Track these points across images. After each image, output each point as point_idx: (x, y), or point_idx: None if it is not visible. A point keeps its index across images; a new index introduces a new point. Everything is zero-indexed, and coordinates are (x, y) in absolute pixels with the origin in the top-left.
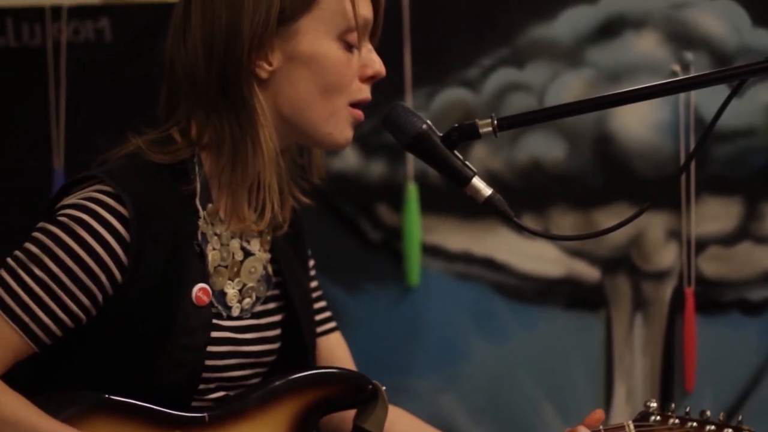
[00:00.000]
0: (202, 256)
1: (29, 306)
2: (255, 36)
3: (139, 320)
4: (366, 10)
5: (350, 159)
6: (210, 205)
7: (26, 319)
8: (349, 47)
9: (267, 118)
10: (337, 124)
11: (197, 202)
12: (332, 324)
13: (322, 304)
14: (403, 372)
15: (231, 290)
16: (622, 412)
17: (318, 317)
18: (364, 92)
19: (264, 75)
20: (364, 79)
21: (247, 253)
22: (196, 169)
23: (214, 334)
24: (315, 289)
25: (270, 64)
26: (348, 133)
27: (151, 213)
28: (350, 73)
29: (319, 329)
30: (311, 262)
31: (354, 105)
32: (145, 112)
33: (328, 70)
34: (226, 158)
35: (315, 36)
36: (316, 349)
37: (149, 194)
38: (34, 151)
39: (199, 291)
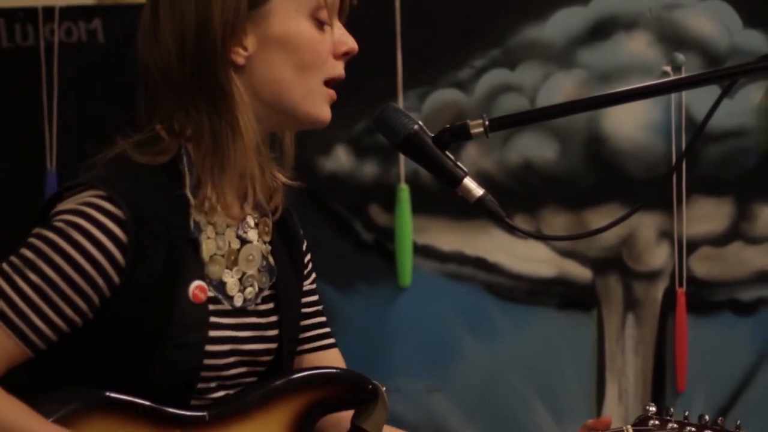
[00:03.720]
0: (196, 245)
1: (25, 312)
2: (227, 23)
3: (136, 320)
4: None
5: (342, 160)
6: (202, 195)
7: (22, 325)
8: (320, 25)
9: (246, 105)
10: (315, 102)
11: (188, 193)
12: (331, 340)
13: (321, 318)
14: (395, 372)
15: (230, 279)
16: (613, 412)
17: (317, 332)
18: (339, 69)
19: (241, 61)
20: (338, 56)
21: (244, 241)
22: (185, 160)
23: (213, 332)
24: (315, 303)
25: (245, 50)
26: (327, 111)
27: (146, 213)
28: (325, 50)
29: (318, 344)
30: (312, 276)
31: (328, 82)
32: (137, 112)
33: (302, 48)
34: (205, 148)
35: (287, 16)
36: (313, 362)
37: (142, 195)
38: (27, 152)
39: (196, 288)
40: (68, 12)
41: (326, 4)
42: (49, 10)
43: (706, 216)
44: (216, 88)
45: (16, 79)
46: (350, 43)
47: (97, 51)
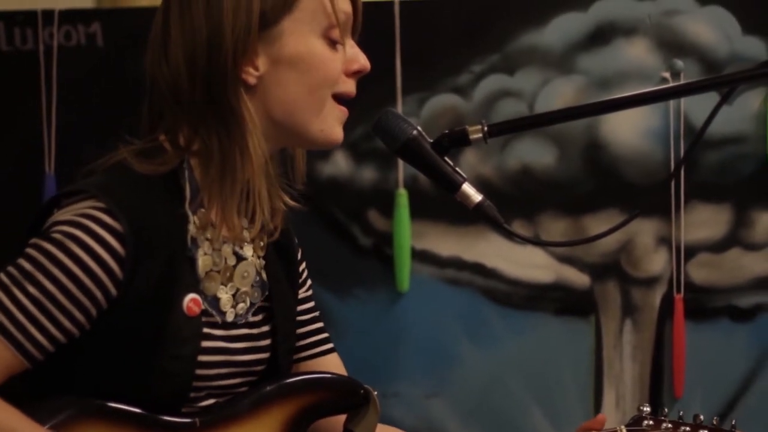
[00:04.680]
0: (192, 261)
1: (23, 324)
2: (238, 44)
3: (132, 331)
4: (345, 5)
5: (341, 165)
6: (202, 211)
7: (20, 337)
8: (333, 44)
9: (256, 125)
10: (326, 119)
11: (187, 207)
12: (330, 345)
13: (318, 325)
14: (394, 377)
15: (224, 295)
16: (611, 418)
17: (314, 338)
18: (349, 85)
19: (252, 81)
20: (350, 74)
21: (240, 258)
22: (186, 174)
23: (205, 343)
24: (311, 310)
25: (257, 69)
26: (339, 131)
27: (145, 226)
28: (337, 68)
29: (317, 350)
30: (308, 283)
31: (338, 98)
32: (137, 117)
33: (315, 67)
34: (215, 169)
35: (299, 36)
36: (312, 369)
37: (142, 207)
38: (26, 155)
39: (190, 301)
40: (67, 15)
41: (338, 24)
42: (48, 14)
43: (704, 222)
44: (226, 108)
45: (15, 82)
46: (362, 61)
47: (97, 55)
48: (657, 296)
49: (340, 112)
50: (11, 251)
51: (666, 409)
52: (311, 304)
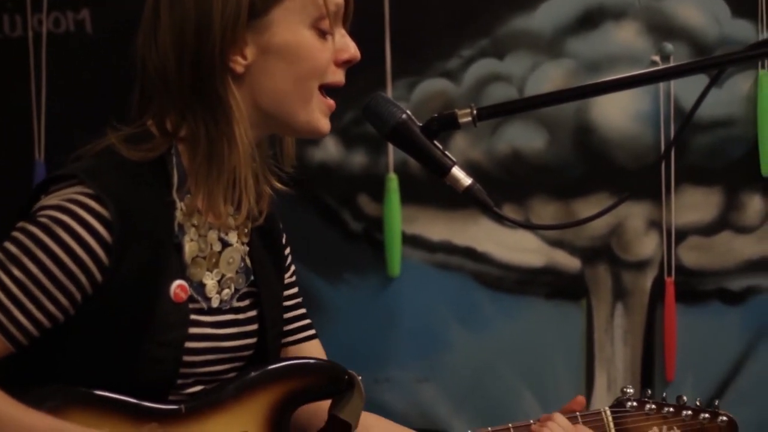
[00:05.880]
0: (179, 247)
1: (7, 307)
2: (226, 32)
3: (118, 317)
4: None
5: (331, 150)
6: (188, 197)
7: (4, 320)
8: (322, 34)
9: (242, 113)
10: (313, 111)
11: (174, 194)
12: (312, 331)
13: (301, 311)
14: (385, 362)
15: (210, 281)
16: (603, 401)
17: (297, 324)
18: (339, 75)
19: (240, 69)
20: (339, 64)
21: (225, 244)
22: (174, 160)
23: (193, 330)
24: (295, 296)
25: (245, 58)
26: (325, 123)
27: (132, 213)
28: (325, 58)
29: (300, 336)
30: (292, 269)
31: (327, 87)
32: (125, 104)
33: (304, 58)
34: (201, 156)
35: (288, 27)
36: (294, 354)
37: (130, 193)
38: (15, 142)
39: (177, 288)
40: (56, 2)
41: (328, 14)
42: (37, 1)
43: (694, 205)
44: (213, 95)
45: (4, 69)
46: (352, 51)
47: (85, 41)
48: (648, 279)
49: (326, 106)
50: (1, 238)
51: (649, 390)
52: (295, 290)
